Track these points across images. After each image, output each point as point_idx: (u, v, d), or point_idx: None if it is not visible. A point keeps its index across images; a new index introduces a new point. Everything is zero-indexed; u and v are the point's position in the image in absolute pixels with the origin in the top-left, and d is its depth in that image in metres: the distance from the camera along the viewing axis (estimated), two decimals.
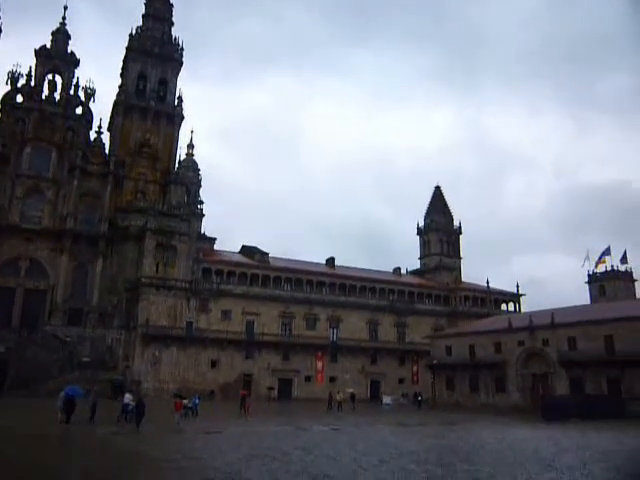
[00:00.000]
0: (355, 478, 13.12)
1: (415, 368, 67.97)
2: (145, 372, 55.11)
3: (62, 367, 50.35)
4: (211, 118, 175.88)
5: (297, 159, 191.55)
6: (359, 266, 76.39)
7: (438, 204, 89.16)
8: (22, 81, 65.71)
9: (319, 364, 63.45)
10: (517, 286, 77.73)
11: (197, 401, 33.91)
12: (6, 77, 65.16)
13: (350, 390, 48.20)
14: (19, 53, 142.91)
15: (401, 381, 67.16)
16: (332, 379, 63.14)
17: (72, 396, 24.69)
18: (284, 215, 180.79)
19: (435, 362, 57.94)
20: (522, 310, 74.56)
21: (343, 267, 73.86)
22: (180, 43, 76.60)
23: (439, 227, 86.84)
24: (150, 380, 53.93)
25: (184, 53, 76.25)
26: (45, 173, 63.57)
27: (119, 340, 56.82)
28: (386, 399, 58.06)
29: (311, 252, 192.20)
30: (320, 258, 75.37)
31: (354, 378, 64.26)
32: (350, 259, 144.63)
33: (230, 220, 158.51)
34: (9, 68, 66.00)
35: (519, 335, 50.59)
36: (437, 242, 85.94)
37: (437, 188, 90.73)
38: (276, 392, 60.50)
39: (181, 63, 75.87)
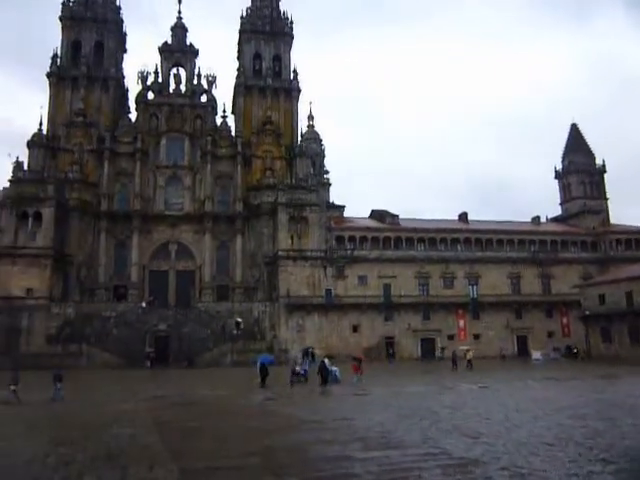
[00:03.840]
0: (508, 435, 12.72)
1: (565, 320, 64.30)
2: (291, 340, 57.76)
3: (216, 340, 54.31)
4: (320, 85, 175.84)
5: (407, 117, 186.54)
6: (492, 219, 73.37)
7: (576, 143, 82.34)
8: (150, 79, 70.25)
9: (460, 322, 62.31)
10: None
11: (307, 367, 32.74)
12: (136, 78, 70.20)
13: (465, 347, 47.09)
14: (144, 51, 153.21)
15: (550, 335, 63.91)
16: (476, 336, 61.77)
17: (264, 363, 28.20)
18: (406, 176, 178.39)
19: (587, 313, 54.50)
20: None
21: (477, 221, 71.29)
22: (289, 17, 77.13)
23: (579, 168, 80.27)
24: (296, 347, 56.36)
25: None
26: (181, 161, 68.04)
27: (264, 312, 59.88)
28: (536, 354, 55.72)
29: (439, 211, 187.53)
30: (449, 216, 73.42)
31: (499, 334, 62.38)
32: (482, 213, 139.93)
33: (355, 186, 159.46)
34: (138, 68, 71.03)
35: None
36: (578, 184, 79.64)
37: (573, 126, 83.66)
38: (419, 352, 60.64)
39: (292, 37, 76.45)
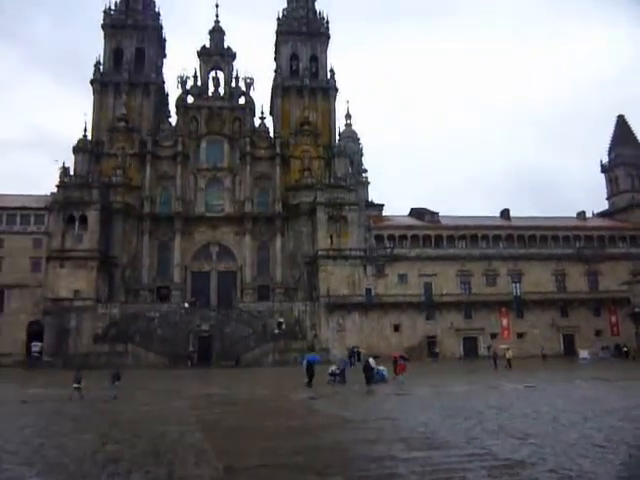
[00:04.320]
0: (557, 436, 12.39)
1: (614, 318, 62.34)
2: (332, 339, 57.77)
3: (257, 339, 54.80)
4: (357, 83, 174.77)
5: (448, 113, 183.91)
6: (535, 215, 71.73)
7: (623, 135, 79.53)
8: (190, 83, 71.34)
9: (504, 321, 61.18)
10: None
11: (344, 367, 31.58)
12: (176, 82, 71.42)
13: (505, 346, 46.40)
14: (182, 55, 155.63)
15: (598, 333, 62.07)
16: (520, 335, 60.57)
17: (311, 362, 28.36)
18: (446, 173, 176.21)
19: (637, 310, 52.79)
20: None
21: (519, 218, 69.79)
22: (325, 16, 77.04)
23: (627, 161, 77.49)
24: (337, 347, 56.33)
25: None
26: (220, 163, 68.92)
27: (305, 311, 60.06)
28: (583, 353, 54.22)
29: (480, 208, 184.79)
30: (490, 213, 71.97)
31: (544, 333, 60.96)
32: (524, 210, 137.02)
33: (394, 184, 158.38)
34: (177, 72, 72.37)
35: None
36: (626, 177, 76.92)
37: (620, 117, 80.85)
38: (461, 351, 59.83)
39: (328, 36, 76.34)
